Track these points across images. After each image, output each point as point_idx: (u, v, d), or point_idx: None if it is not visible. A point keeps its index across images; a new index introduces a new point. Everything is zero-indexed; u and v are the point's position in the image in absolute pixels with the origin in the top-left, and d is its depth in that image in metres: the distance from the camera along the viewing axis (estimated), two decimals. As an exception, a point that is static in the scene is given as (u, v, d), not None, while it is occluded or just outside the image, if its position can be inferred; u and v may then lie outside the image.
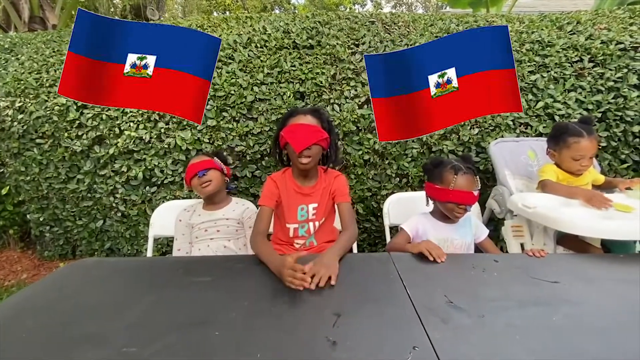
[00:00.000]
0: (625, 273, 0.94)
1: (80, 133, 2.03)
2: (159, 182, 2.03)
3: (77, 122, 2.02)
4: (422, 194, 1.77)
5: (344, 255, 1.05)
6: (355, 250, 1.58)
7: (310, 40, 2.05)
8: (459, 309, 0.75)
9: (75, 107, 2.02)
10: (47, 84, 2.12)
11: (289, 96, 1.94)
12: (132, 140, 1.98)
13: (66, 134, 2.04)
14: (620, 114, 1.91)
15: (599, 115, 1.91)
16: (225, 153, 1.89)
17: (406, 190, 2.01)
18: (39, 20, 4.23)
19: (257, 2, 12.92)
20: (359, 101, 1.93)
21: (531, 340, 0.66)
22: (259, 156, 1.98)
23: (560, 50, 2.00)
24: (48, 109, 2.06)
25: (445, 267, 0.97)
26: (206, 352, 0.63)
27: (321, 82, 1.94)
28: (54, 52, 2.34)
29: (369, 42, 2.04)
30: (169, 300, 0.81)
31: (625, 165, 1.97)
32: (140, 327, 0.71)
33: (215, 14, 12.54)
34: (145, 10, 7.20)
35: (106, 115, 1.98)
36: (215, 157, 1.54)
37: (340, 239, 1.14)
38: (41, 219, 2.32)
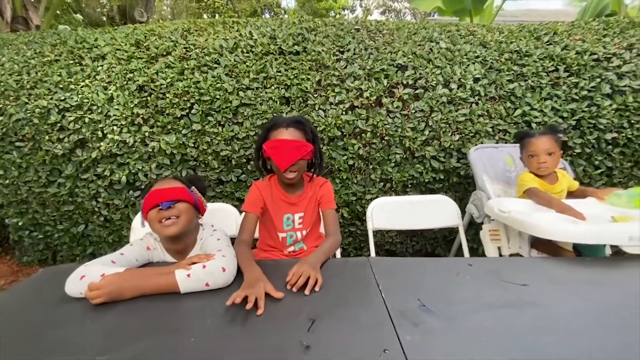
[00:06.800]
0: (591, 275, 0.99)
1: (61, 136, 2.00)
2: (142, 187, 2.02)
3: (59, 125, 1.99)
4: (404, 198, 1.82)
5: (326, 261, 1.07)
6: (339, 254, 1.60)
7: (296, 47, 2.08)
8: (431, 312, 0.78)
9: (57, 110, 1.99)
10: (28, 86, 2.08)
11: (275, 101, 1.96)
12: (116, 144, 1.96)
13: (47, 137, 2.01)
14: (593, 121, 1.99)
15: (574, 122, 1.98)
16: (204, 181, 1.67)
17: (390, 195, 2.05)
18: (22, 20, 4.14)
19: (247, 5, 12.92)
20: (344, 107, 1.96)
21: (498, 342, 0.69)
22: (245, 160, 1.99)
23: (537, 60, 2.08)
24: (28, 111, 2.02)
25: (420, 271, 1.00)
26: (179, 357, 0.64)
27: (306, 88, 1.96)
28: (35, 53, 2.29)
29: (354, 49, 2.07)
30: (143, 307, 0.81)
31: (599, 172, 2.05)
32: (113, 334, 0.71)
33: (205, 16, 12.49)
34: (133, 11, 7.13)
35: (89, 118, 1.96)
36: (192, 186, 1.12)
37: (323, 245, 1.15)
38: (20, 224, 2.26)
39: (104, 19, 7.45)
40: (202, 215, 1.15)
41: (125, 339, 0.69)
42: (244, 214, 1.25)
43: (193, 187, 1.11)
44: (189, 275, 0.86)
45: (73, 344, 0.69)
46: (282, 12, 14.71)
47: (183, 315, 0.78)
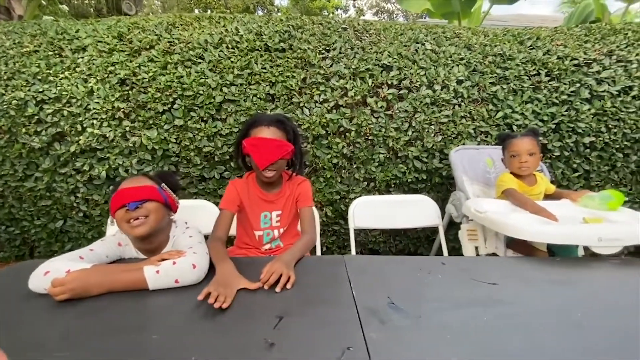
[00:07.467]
0: (559, 275, 1.01)
1: (39, 129, 1.95)
2: (123, 182, 1.98)
3: (36, 117, 1.94)
4: (386, 197, 1.83)
5: (300, 258, 1.07)
6: (319, 252, 1.61)
7: (282, 44, 2.07)
8: (399, 310, 0.78)
9: (34, 102, 1.94)
10: (5, 77, 2.02)
11: (259, 98, 1.94)
12: (95, 138, 1.92)
13: (24, 130, 1.95)
14: (572, 125, 2.03)
15: (553, 126, 2.03)
16: (177, 177, 1.64)
17: (373, 194, 2.06)
18: (3, 10, 4.03)
19: (240, 2, 12.81)
20: (328, 106, 1.96)
21: (461, 339, 0.69)
22: (228, 157, 1.97)
23: (520, 63, 2.11)
24: (5, 102, 1.96)
25: (394, 270, 1.01)
26: (140, 355, 0.63)
27: (291, 86, 1.95)
28: (14, 44, 2.22)
29: (340, 48, 2.07)
30: (109, 304, 0.80)
31: (577, 174, 2.10)
32: (75, 331, 0.69)
33: (196, 12, 12.35)
34: (122, 3, 6.99)
35: (67, 111, 1.91)
36: (162, 183, 1.10)
37: (298, 243, 1.14)
38: (-5, 219, 2.20)
39: (92, 10, 7.29)
40: (175, 212, 1.14)
41: (87, 336, 0.68)
42: (220, 211, 1.24)
43: (163, 184, 1.09)
44: (157, 272, 0.85)
45: (32, 342, 0.67)
46: (275, 9, 14.64)
47: (149, 313, 0.77)
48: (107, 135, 1.91)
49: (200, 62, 1.98)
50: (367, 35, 2.23)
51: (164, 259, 0.90)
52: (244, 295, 0.84)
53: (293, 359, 0.62)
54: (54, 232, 2.18)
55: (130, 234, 1.01)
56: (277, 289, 0.86)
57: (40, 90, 1.94)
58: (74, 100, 1.93)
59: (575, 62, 2.15)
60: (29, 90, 1.95)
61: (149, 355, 0.63)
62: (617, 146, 2.08)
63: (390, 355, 0.64)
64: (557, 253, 1.44)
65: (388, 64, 2.04)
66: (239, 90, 1.94)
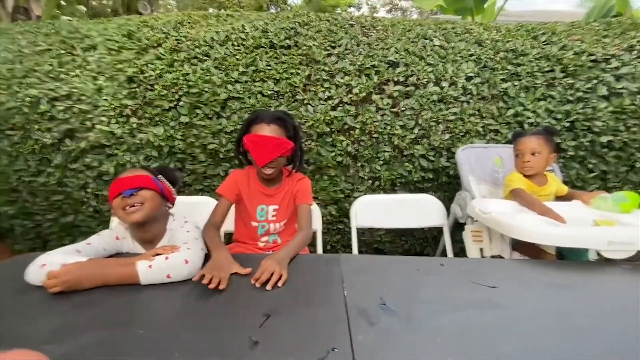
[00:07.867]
0: (563, 278, 0.96)
1: (51, 126, 2.00)
2: (130, 178, 2.01)
3: (48, 114, 1.99)
4: (389, 196, 1.80)
5: (295, 256, 1.06)
6: (320, 250, 1.59)
7: (287, 40, 2.05)
8: (390, 311, 0.76)
9: (46, 100, 1.99)
10: (20, 75, 2.08)
11: (264, 95, 1.94)
12: (104, 135, 1.96)
13: (37, 126, 2.01)
14: (588, 124, 1.94)
15: (567, 124, 1.94)
16: (181, 174, 1.71)
17: (378, 193, 2.03)
18: (23, 10, 4.17)
19: (254, 0, 12.88)
20: (333, 103, 1.93)
21: (451, 342, 0.67)
22: (232, 154, 1.98)
23: (533, 59, 2.03)
24: (19, 100, 2.02)
25: (390, 270, 0.98)
26: (124, 349, 0.63)
27: (295, 83, 1.94)
28: (29, 43, 2.30)
29: (346, 45, 2.05)
30: (101, 297, 0.80)
31: (592, 175, 2.01)
32: (65, 324, 0.70)
33: (210, 10, 12.48)
34: (137, 3, 7.14)
35: (78, 108, 1.96)
36: (159, 175, 1.13)
37: (293, 240, 1.14)
38: (11, 212, 2.28)
39: (109, 11, 7.48)
40: (172, 204, 1.16)
41: (74, 330, 0.69)
42: (218, 197, 1.26)
43: (160, 176, 1.12)
44: (150, 267, 0.85)
45: (22, 334, 0.68)
46: (288, 8, 14.66)
47: (138, 307, 0.77)
48: (115, 132, 1.94)
49: (205, 60, 1.99)
50: (374, 31, 2.19)
51: (157, 254, 0.90)
52: (233, 292, 0.83)
53: (275, 358, 0.61)
54: (65, 226, 2.24)
55: (126, 220, 1.03)
56: (268, 287, 0.85)
57: (52, 87, 2.00)
58: (84, 98, 1.97)
59: (593, 57, 2.05)
60: (41, 87, 2.01)
61: (132, 350, 0.63)
62: (637, 146, 1.97)
63: (375, 356, 0.62)
64: (567, 257, 1.37)
65: (395, 60, 2.00)
66: (243, 88, 1.94)
